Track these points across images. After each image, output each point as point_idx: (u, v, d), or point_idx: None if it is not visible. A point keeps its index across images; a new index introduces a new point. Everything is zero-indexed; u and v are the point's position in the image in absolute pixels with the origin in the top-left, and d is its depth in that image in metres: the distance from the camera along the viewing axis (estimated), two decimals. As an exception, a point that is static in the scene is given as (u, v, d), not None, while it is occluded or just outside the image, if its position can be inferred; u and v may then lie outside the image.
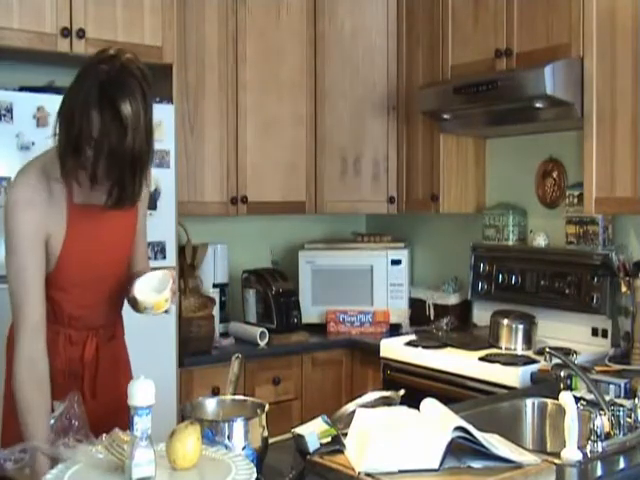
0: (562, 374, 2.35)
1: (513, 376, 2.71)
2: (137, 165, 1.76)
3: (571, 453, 1.74)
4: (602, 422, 1.82)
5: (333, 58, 3.79)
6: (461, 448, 1.66)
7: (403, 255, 3.82)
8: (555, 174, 3.36)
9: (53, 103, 2.66)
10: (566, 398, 1.79)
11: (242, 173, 3.58)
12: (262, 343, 3.41)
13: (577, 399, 1.93)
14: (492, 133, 3.58)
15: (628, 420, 1.88)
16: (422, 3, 3.58)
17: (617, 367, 2.66)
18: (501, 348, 3.06)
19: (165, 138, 3.00)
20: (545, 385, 2.52)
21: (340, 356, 3.58)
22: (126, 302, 2.07)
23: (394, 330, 3.68)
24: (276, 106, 3.68)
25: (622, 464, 1.79)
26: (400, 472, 1.58)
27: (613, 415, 1.86)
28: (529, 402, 2.38)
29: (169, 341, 3.04)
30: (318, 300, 3.81)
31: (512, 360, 2.85)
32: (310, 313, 3.77)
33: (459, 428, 1.65)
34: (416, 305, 3.83)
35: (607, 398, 2.04)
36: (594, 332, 3.08)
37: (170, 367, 3.04)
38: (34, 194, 1.83)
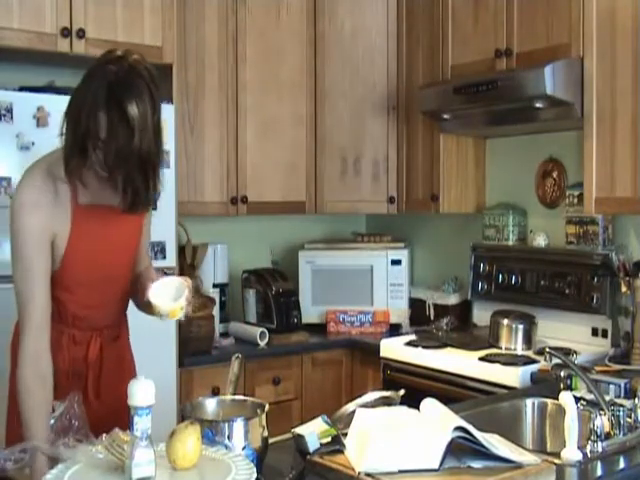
0: (562, 374, 2.35)
1: (513, 376, 2.71)
2: (147, 167, 1.76)
3: (571, 453, 1.74)
4: (602, 422, 1.82)
5: (333, 58, 3.79)
6: (461, 448, 1.66)
7: (403, 255, 3.82)
8: (555, 174, 3.36)
9: (53, 103, 2.70)
10: (566, 398, 1.79)
11: (242, 173, 3.58)
12: (262, 343, 3.41)
13: (577, 399, 1.93)
14: (492, 133, 3.58)
15: (628, 420, 1.88)
16: (422, 3, 3.57)
17: (617, 367, 2.66)
18: (501, 348, 3.06)
19: (165, 138, 2.98)
20: (545, 385, 2.51)
21: (340, 356, 3.58)
22: (131, 303, 2.07)
23: (394, 330, 3.68)
24: (276, 106, 3.68)
25: (622, 464, 1.79)
26: (400, 472, 1.58)
27: (613, 415, 1.86)
28: (529, 402, 2.38)
29: (169, 341, 3.04)
30: (318, 300, 3.81)
31: (512, 360, 2.85)
32: (310, 313, 3.77)
33: (459, 428, 1.65)
34: (416, 305, 3.83)
35: (607, 398, 2.04)
36: (594, 332, 3.07)
37: (170, 367, 3.04)
38: (40, 196, 1.83)
